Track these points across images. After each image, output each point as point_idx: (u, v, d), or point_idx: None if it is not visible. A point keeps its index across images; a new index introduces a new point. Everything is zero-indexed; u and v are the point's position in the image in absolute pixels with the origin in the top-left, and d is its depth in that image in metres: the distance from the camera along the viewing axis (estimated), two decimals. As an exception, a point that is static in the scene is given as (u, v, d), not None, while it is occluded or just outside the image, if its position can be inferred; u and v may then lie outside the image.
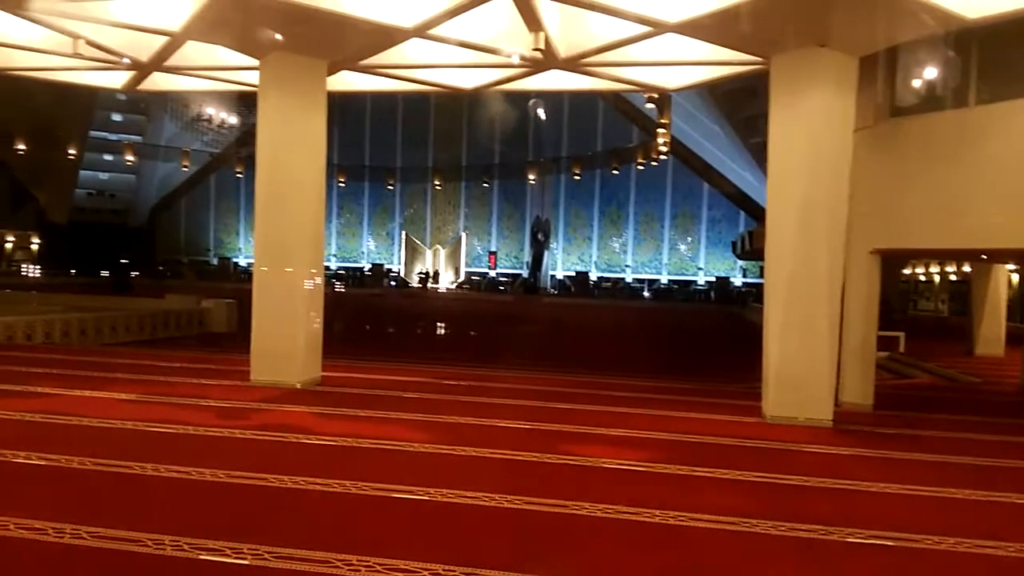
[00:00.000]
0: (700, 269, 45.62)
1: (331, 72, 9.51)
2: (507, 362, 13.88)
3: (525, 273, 45.71)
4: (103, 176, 49.07)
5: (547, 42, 8.31)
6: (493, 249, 48.42)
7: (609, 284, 44.20)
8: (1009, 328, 18.60)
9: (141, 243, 48.27)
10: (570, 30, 8.73)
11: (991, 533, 4.75)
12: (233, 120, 37.84)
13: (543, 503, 5.00)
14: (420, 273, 45.74)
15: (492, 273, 46.99)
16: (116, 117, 47.39)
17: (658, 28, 7.89)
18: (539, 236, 44.63)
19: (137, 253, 45.32)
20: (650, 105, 29.31)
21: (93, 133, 44.30)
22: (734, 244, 39.16)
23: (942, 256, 26.92)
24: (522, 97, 34.71)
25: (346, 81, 10.46)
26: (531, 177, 41.41)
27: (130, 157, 39.39)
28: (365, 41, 8.72)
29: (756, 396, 8.79)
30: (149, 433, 6.59)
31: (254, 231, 9.48)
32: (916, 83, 9.16)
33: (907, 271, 39.62)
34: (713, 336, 25.02)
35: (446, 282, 46.39)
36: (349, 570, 3.83)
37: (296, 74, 9.07)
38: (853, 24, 7.40)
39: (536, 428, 7.44)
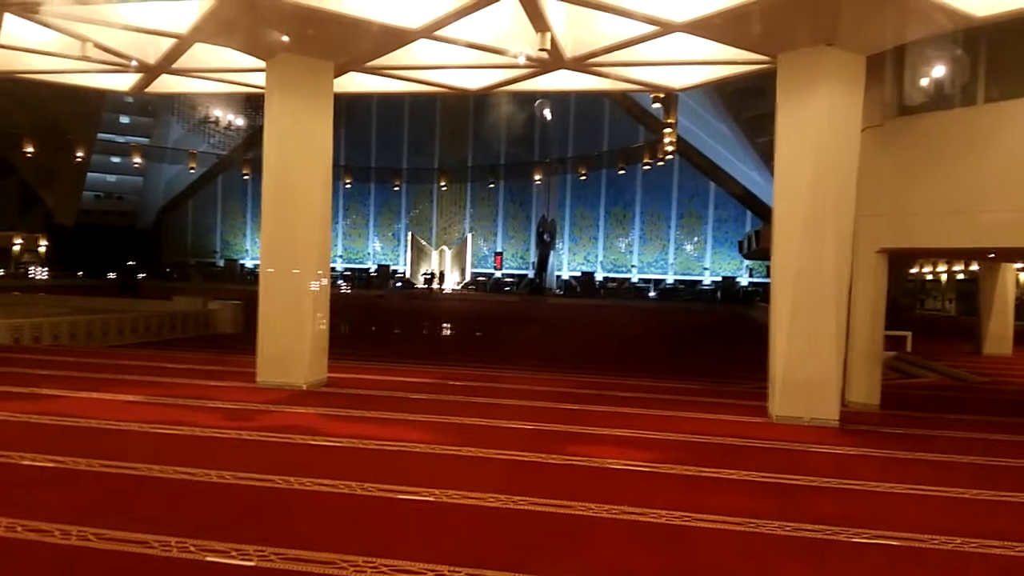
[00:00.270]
0: (706, 269, 45.55)
1: (338, 73, 9.53)
2: (512, 363, 13.88)
3: (531, 273, 45.72)
4: (110, 178, 49.34)
5: (553, 42, 8.32)
6: (499, 250, 48.45)
7: (615, 284, 44.19)
8: (1017, 327, 18.52)
9: (148, 245, 48.54)
10: (577, 30, 8.73)
11: (999, 533, 4.72)
12: (240, 122, 37.98)
13: (548, 504, 4.99)
14: (426, 274, 45.79)
15: (498, 274, 47.02)
16: (124, 119, 47.65)
17: (665, 28, 7.87)
18: (545, 236, 44.64)
19: (144, 255, 45.56)
20: (656, 105, 29.29)
21: (100, 135, 44.50)
22: (740, 244, 39.13)
23: (950, 255, 26.81)
24: (528, 97, 34.80)
25: (353, 82, 10.48)
26: (537, 177, 41.40)
27: (137, 159, 39.53)
28: (372, 42, 8.72)
29: (762, 396, 8.76)
30: (156, 435, 6.61)
31: (261, 233, 9.49)
32: (924, 81, 9.12)
33: (914, 270, 39.53)
34: (719, 336, 24.96)
35: (452, 283, 46.43)
36: (355, 571, 3.83)
37: (303, 75, 9.08)
38: (861, 23, 7.37)
39: (541, 429, 7.43)
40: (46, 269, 41.45)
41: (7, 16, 8.67)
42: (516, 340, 20.76)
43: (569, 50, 8.91)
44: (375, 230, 50.74)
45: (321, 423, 7.29)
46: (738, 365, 14.82)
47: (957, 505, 5.43)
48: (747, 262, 42.91)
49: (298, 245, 9.16)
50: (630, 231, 46.84)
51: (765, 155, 30.55)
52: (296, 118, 9.16)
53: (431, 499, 5.03)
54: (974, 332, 18.41)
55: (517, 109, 37.49)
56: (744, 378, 12.08)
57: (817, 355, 7.97)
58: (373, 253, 50.46)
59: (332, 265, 22.64)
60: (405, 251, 49.01)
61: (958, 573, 4.22)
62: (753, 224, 40.21)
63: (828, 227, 7.90)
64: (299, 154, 9.17)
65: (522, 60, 8.98)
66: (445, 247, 48.37)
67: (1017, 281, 20.47)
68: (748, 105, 29.91)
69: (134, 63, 9.88)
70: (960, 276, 36.19)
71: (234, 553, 3.99)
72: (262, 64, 9.26)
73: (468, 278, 46.87)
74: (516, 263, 48.22)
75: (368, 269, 47.70)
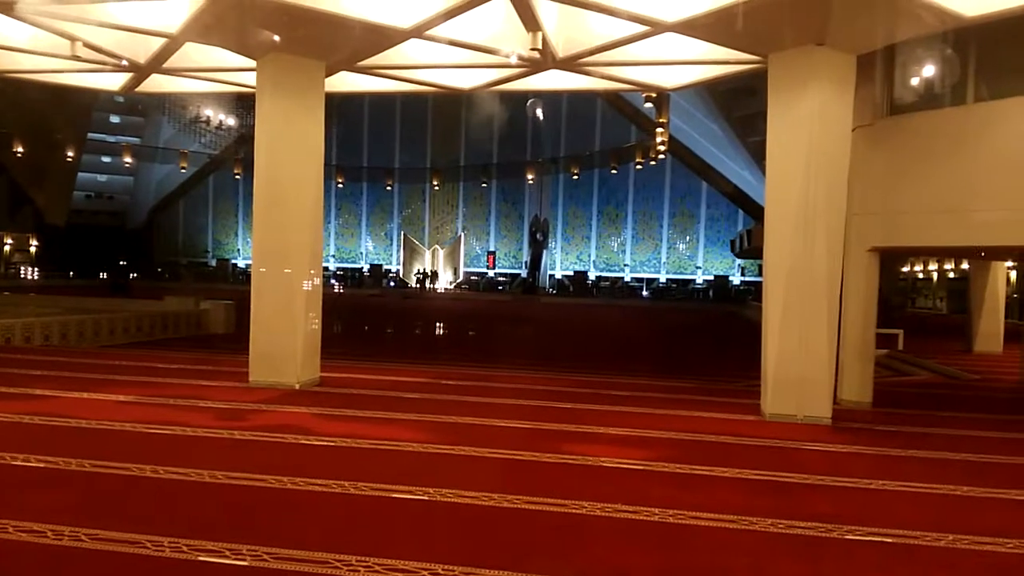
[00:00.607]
0: (699, 268, 45.71)
1: (329, 73, 9.51)
2: (506, 362, 13.88)
3: (524, 273, 45.74)
4: (101, 178, 49.15)
5: (545, 42, 8.32)
6: (492, 249, 48.44)
7: (608, 283, 44.25)
8: (1007, 325, 18.63)
9: (139, 245, 48.35)
10: (568, 30, 8.73)
11: (990, 529, 4.75)
12: (231, 121, 37.84)
13: (543, 502, 5.00)
14: (418, 273, 45.76)
15: (491, 273, 47.02)
16: (114, 119, 47.49)
17: (656, 27, 7.89)
18: (537, 236, 44.70)
19: (135, 255, 45.39)
20: (648, 104, 29.38)
21: (91, 135, 44.31)
22: (732, 243, 39.23)
23: (941, 254, 26.95)
24: (520, 97, 34.80)
25: (344, 82, 10.45)
26: (529, 177, 41.45)
27: (128, 159, 39.34)
28: (362, 42, 8.71)
29: (755, 394, 8.79)
30: (148, 435, 6.58)
31: (252, 232, 9.47)
32: (914, 81, 9.17)
33: (906, 268, 39.71)
34: (712, 335, 25.02)
35: (444, 282, 46.40)
36: (348, 570, 3.83)
37: (294, 75, 9.07)
38: (851, 22, 7.40)
39: (535, 427, 7.44)
40: (36, 269, 41.25)
41: (-4, 16, 8.63)
42: (509, 339, 20.77)
43: (560, 50, 8.92)
44: (367, 230, 50.69)
45: (314, 422, 7.28)
46: (731, 363, 14.85)
47: (949, 502, 5.46)
48: (739, 261, 43.04)
49: (290, 245, 9.13)
50: (622, 230, 46.94)
51: (756, 154, 30.68)
52: (287, 118, 9.13)
53: (425, 498, 5.02)
54: (965, 330, 18.50)
55: (509, 109, 37.47)
56: (737, 376, 12.11)
57: (809, 353, 8.01)
58: (366, 253, 50.39)
59: (325, 265, 22.60)
60: (398, 251, 48.98)
61: (950, 569, 4.25)
62: (745, 223, 40.34)
63: (819, 226, 7.93)
64: (290, 154, 9.15)
65: (514, 60, 8.98)
66: (438, 246, 48.36)
67: (1007, 279, 20.58)
68: (739, 104, 30.00)
69: (124, 62, 9.84)
70: (951, 274, 36.39)
71: (227, 553, 3.98)
72: (253, 63, 9.24)
73: (461, 277, 46.85)
74: (509, 262, 48.24)
75: (361, 269, 47.63)
